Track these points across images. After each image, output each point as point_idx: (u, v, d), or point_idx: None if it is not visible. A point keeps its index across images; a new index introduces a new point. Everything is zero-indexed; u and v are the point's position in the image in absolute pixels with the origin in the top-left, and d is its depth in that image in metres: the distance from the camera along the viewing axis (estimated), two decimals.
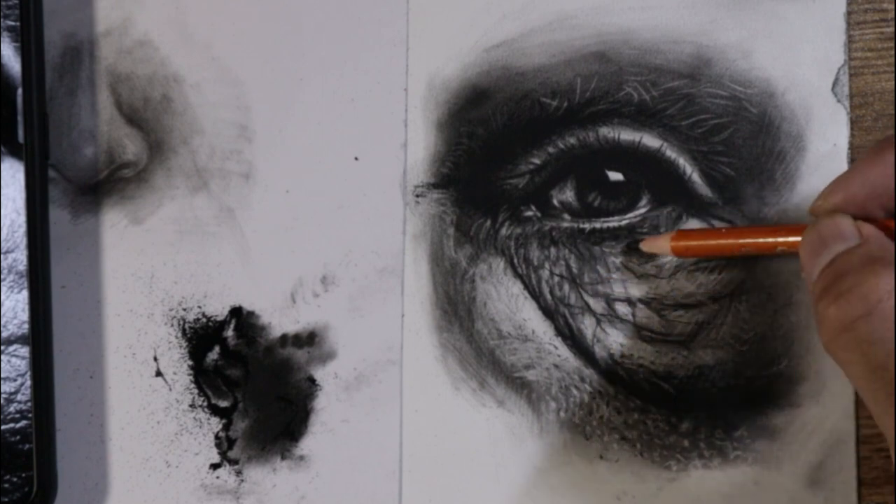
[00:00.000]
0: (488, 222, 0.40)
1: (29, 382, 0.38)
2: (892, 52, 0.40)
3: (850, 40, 0.40)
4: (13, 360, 0.38)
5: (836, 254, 0.31)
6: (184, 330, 0.41)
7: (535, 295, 0.40)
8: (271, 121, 0.41)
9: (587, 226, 0.40)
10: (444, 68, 0.41)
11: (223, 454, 0.40)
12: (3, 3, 0.39)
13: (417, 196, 0.41)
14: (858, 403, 0.38)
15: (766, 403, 0.39)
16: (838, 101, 0.39)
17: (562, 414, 0.40)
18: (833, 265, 0.31)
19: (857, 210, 0.32)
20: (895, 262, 0.29)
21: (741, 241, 0.37)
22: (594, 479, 0.39)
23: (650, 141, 0.40)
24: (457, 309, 0.40)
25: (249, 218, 0.41)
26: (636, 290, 0.39)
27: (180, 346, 0.41)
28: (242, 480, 0.40)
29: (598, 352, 0.40)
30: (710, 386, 0.39)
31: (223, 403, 0.41)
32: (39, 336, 0.38)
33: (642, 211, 0.39)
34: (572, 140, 0.40)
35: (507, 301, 0.40)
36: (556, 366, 0.40)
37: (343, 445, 0.40)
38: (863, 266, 0.29)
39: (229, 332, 0.41)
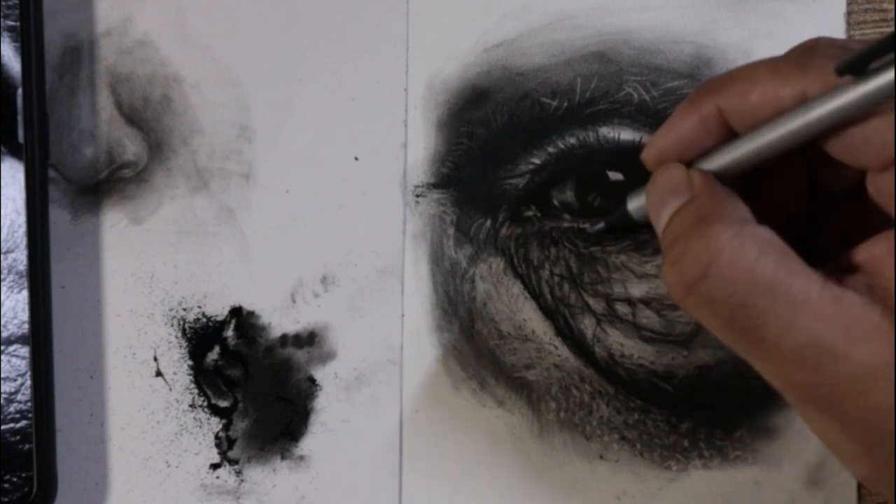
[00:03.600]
0: (488, 222, 0.40)
1: (29, 382, 0.38)
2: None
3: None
4: (13, 360, 0.38)
5: (672, 211, 0.31)
6: (184, 330, 0.41)
7: (535, 295, 0.40)
8: (271, 121, 0.41)
9: (587, 226, 0.40)
10: (444, 68, 0.41)
11: (223, 454, 0.40)
12: (3, 3, 0.39)
13: (417, 196, 0.41)
14: None
15: (766, 403, 0.39)
16: None
17: (562, 414, 0.40)
18: (670, 226, 0.31)
19: (685, 150, 0.32)
20: (726, 210, 0.30)
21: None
22: (594, 479, 0.39)
23: None
24: (457, 309, 0.40)
25: (249, 218, 0.41)
26: (636, 290, 0.40)
27: (180, 346, 0.41)
28: (242, 480, 0.40)
29: (598, 352, 0.40)
30: (710, 386, 0.39)
31: (223, 403, 0.41)
32: (39, 336, 0.38)
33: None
34: (572, 140, 0.40)
35: (507, 301, 0.40)
36: (556, 366, 0.40)
37: (343, 445, 0.40)
38: (692, 228, 0.30)
39: (229, 332, 0.41)
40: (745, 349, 0.29)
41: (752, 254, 0.28)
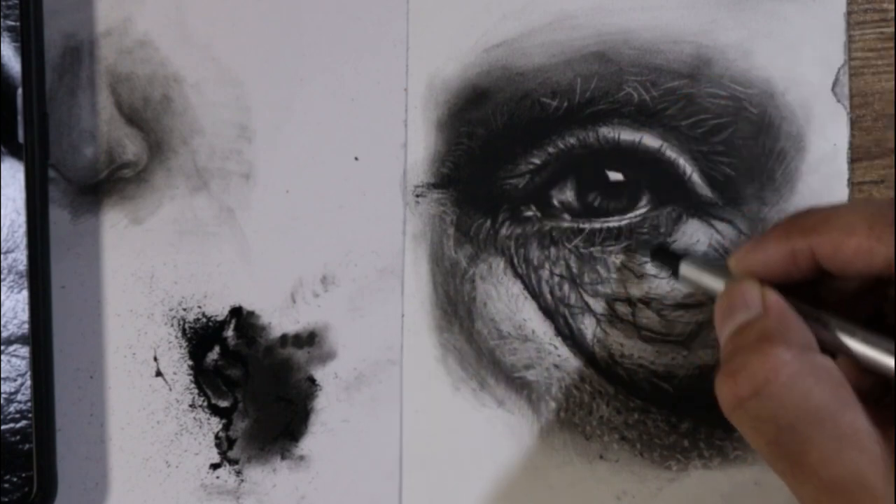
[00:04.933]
0: (488, 222, 0.40)
1: (29, 382, 0.38)
2: (892, 52, 0.40)
3: (850, 40, 0.40)
4: (13, 360, 0.38)
5: (739, 324, 0.32)
6: (184, 330, 0.41)
7: (535, 295, 0.40)
8: (271, 121, 0.41)
9: (587, 226, 0.40)
10: (444, 68, 0.41)
11: (223, 454, 0.40)
12: (3, 3, 0.39)
13: (417, 196, 0.41)
14: None
15: None
16: (838, 101, 0.39)
17: (562, 414, 0.40)
18: (734, 337, 0.31)
19: (770, 273, 0.33)
20: (791, 334, 0.30)
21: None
22: (594, 479, 0.39)
23: (650, 141, 0.40)
24: (457, 309, 0.40)
25: (249, 218, 0.41)
26: (636, 290, 0.39)
27: (180, 346, 0.41)
28: (242, 480, 0.40)
29: (598, 352, 0.40)
30: (710, 386, 0.39)
31: (223, 403, 0.41)
32: (39, 336, 0.38)
33: (642, 211, 0.40)
34: (572, 140, 0.40)
35: (507, 301, 0.40)
36: (556, 366, 0.40)
37: (343, 445, 0.40)
38: (754, 344, 0.30)
39: (229, 332, 0.41)
40: (784, 470, 0.29)
41: (808, 381, 0.29)
